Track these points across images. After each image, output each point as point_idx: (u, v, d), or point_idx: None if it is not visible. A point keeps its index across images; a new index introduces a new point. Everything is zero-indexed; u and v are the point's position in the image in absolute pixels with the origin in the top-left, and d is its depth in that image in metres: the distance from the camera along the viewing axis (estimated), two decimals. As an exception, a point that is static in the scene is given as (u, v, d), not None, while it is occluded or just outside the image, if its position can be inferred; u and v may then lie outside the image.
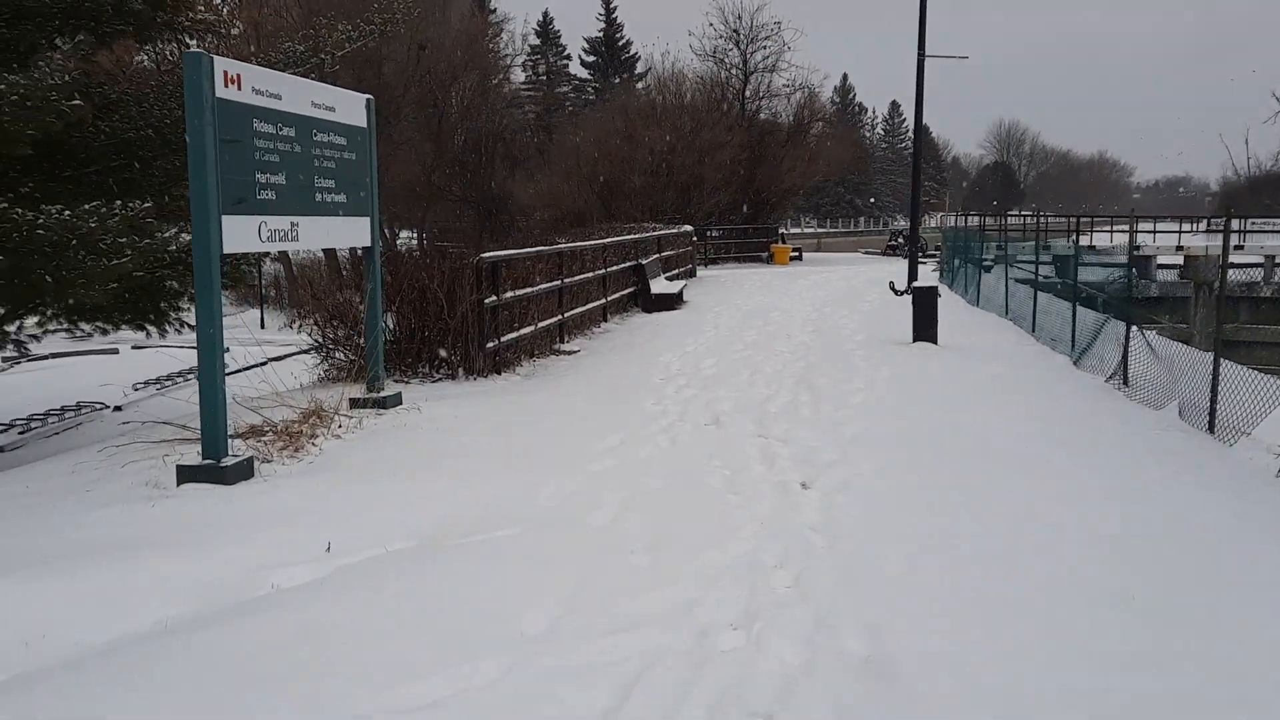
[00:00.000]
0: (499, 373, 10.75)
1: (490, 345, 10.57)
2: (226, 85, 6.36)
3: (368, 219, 8.46)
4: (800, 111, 40.34)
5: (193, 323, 15.88)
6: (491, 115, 41.15)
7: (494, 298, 10.65)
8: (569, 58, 75.45)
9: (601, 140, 34.54)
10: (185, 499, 5.94)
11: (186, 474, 6.24)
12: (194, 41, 12.44)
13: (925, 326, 12.18)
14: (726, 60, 39.65)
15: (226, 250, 6.39)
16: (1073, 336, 12.07)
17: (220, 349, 6.35)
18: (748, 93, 39.51)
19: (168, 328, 14.66)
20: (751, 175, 37.20)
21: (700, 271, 28.84)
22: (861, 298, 19.53)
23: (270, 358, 17.08)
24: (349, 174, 8.07)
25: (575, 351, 12.99)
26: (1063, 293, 14.45)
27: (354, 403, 8.58)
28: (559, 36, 74.61)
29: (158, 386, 19.63)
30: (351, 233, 8.23)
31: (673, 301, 18.33)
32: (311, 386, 10.22)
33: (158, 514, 5.66)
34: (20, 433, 16.71)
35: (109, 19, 11.24)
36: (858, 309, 17.31)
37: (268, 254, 14.19)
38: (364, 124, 8.37)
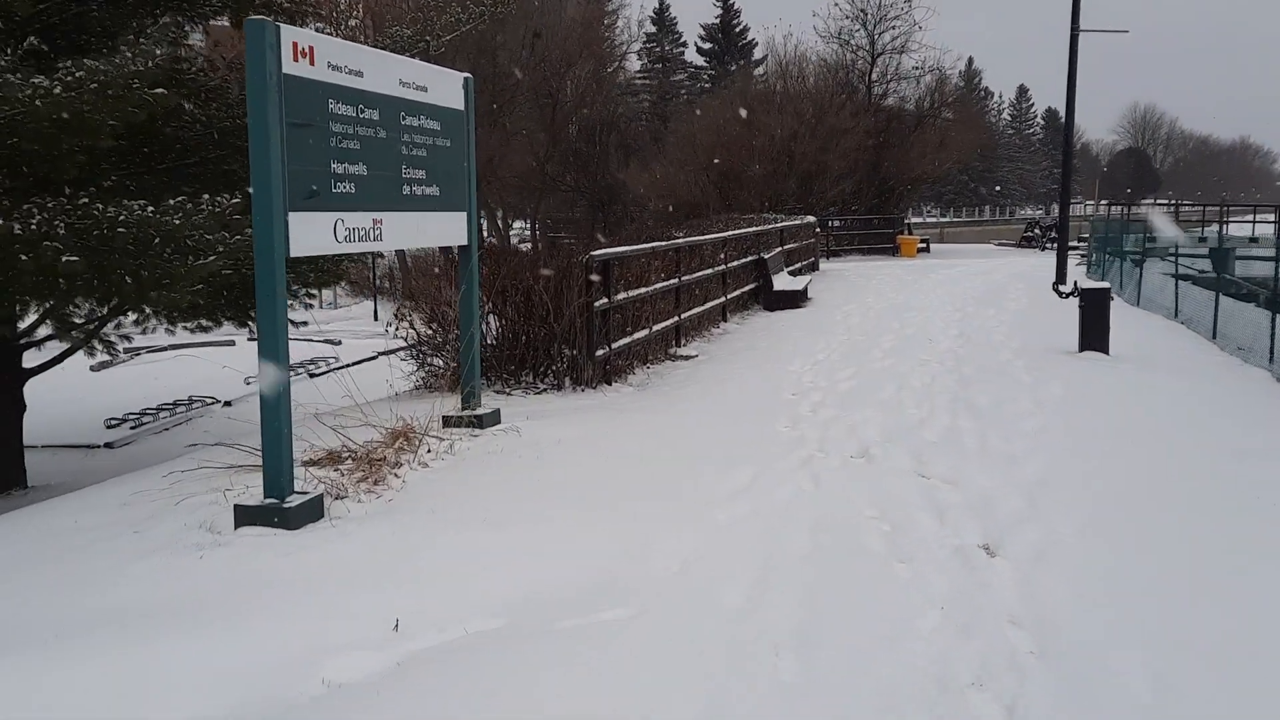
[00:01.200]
0: (609, 383, 9.70)
1: (600, 353, 9.52)
2: (296, 59, 5.42)
3: (464, 214, 7.47)
4: (930, 95, 38.25)
5: (298, 319, 15.30)
6: (606, 104, 40.30)
7: (605, 300, 9.59)
8: (685, 45, 74.50)
9: (719, 128, 33.25)
10: (240, 548, 5.02)
11: (245, 516, 5.33)
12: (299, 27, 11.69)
13: (1095, 333, 10.66)
14: (852, 41, 37.80)
15: (295, 253, 5.46)
16: (1271, 346, 10.39)
17: (285, 373, 5.42)
18: (874, 75, 37.61)
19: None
20: (878, 162, 35.36)
21: (823, 264, 27.36)
22: (1005, 295, 17.86)
23: (381, 352, 16.42)
24: (443, 163, 7.08)
25: (693, 356, 11.86)
26: (1234, 289, 12.71)
27: (447, 421, 7.62)
28: (675, 23, 73.68)
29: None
30: (446, 230, 7.25)
31: (797, 299, 17.02)
32: (406, 396, 9.35)
33: (204, 570, 4.74)
34: (132, 428, 16.45)
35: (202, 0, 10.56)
36: (1005, 308, 15.71)
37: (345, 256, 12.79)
38: (461, 106, 7.37)
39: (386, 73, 6.35)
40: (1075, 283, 11.02)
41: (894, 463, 6.55)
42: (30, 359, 13.65)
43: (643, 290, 10.61)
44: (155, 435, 15.92)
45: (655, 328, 11.07)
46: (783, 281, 17.64)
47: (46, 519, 5.95)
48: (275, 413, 5.37)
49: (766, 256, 17.36)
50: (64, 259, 8.24)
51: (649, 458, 6.69)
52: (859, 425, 7.65)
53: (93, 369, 20.38)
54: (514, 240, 45.52)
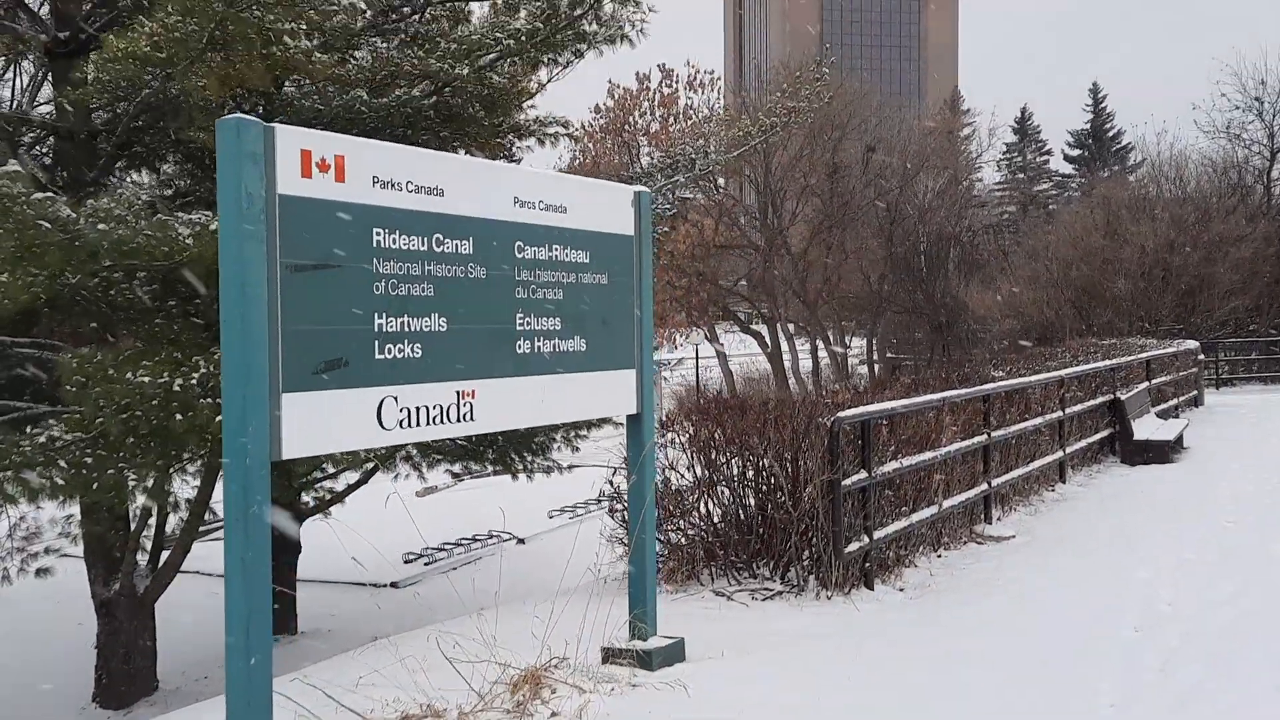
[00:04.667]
0: (869, 585, 7.19)
1: (854, 546, 7.07)
2: (308, 173, 3.78)
3: (630, 372, 5.48)
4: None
5: (565, 463, 14.04)
6: (950, 219, 37.37)
7: (863, 473, 7.18)
8: (1049, 153, 70.24)
9: (1078, 240, 29.37)
10: None
11: None
12: (531, 146, 10.61)
13: None
14: (1244, 135, 32.49)
15: (291, 454, 3.71)
16: None
17: (266, 672, 3.62)
18: (1274, 173, 31.93)
19: (536, 467, 13.15)
20: (1282, 274, 29.63)
21: (1209, 398, 22.58)
22: None
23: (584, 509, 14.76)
24: (594, 307, 5.19)
25: (1007, 538, 9.01)
26: None
27: (607, 655, 5.56)
28: (1038, 131, 69.66)
29: (570, 515, 18.36)
30: (596, 395, 5.29)
31: (1165, 451, 13.36)
32: (609, 586, 7.43)
33: None
34: (426, 563, 15.90)
35: (429, 124, 9.63)
36: None
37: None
38: (628, 230, 5.46)
39: (488, 188, 4.60)
40: None
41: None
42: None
43: (924, 456, 8.04)
44: (442, 574, 15.16)
45: (946, 503, 8.41)
46: (1147, 428, 14.03)
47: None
48: None
49: (1124, 397, 13.89)
50: (218, 419, 7.25)
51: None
52: (1238, 713, 4.67)
53: (418, 494, 20.42)
54: (852, 362, 43.21)
